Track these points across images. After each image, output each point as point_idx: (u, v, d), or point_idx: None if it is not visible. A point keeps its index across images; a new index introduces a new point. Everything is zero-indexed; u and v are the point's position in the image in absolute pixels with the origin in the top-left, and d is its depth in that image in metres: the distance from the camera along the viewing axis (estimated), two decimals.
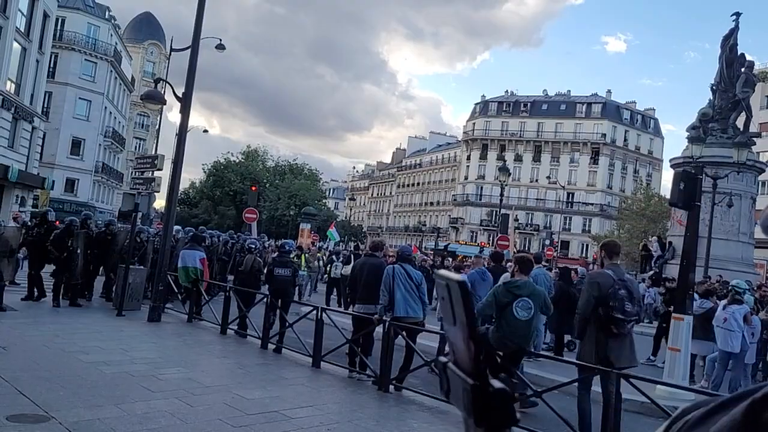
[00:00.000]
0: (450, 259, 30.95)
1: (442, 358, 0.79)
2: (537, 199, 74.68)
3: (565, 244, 68.82)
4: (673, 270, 18.97)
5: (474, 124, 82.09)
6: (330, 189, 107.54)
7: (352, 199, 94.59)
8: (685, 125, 26.60)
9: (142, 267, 13.91)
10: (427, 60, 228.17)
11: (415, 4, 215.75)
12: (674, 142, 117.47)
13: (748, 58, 25.86)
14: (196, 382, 7.44)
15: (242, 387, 7.49)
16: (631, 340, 6.66)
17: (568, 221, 72.00)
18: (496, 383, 0.71)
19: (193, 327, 12.14)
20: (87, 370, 7.54)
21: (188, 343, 10.49)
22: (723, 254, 21.99)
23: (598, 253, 7.19)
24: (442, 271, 0.80)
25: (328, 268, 19.41)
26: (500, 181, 28.49)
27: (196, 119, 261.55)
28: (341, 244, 34.11)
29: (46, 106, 43.98)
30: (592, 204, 72.34)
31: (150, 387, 6.96)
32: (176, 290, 14.02)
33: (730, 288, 10.92)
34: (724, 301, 10.73)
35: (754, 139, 25.84)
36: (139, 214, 13.95)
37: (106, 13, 55.53)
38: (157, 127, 38.11)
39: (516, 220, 51.65)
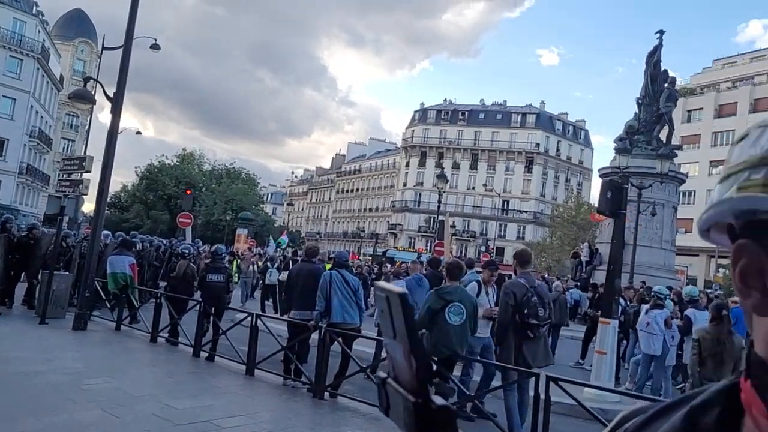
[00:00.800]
0: (389, 265, 31.08)
1: (381, 373, 0.76)
2: (473, 206, 76.04)
3: (500, 251, 70.20)
4: (600, 276, 19.68)
5: (413, 131, 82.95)
6: (268, 194, 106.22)
7: (291, 204, 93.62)
8: (613, 137, 27.71)
9: (67, 273, 13.35)
10: (368, 66, 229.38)
11: (356, 11, 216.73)
12: (603, 153, 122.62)
13: (671, 74, 27.23)
14: (123, 392, 7.19)
15: (172, 396, 7.29)
16: (544, 341, 7.19)
17: (503, 228, 73.60)
18: (439, 400, 0.68)
19: (121, 335, 11.74)
20: (5, 381, 7.18)
21: (116, 352, 10.14)
22: (647, 261, 22.98)
23: (512, 262, 7.73)
24: (382, 283, 0.77)
25: (262, 275, 19.21)
26: (438, 188, 28.91)
27: (129, 121, 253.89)
28: (278, 250, 33.73)
29: None
30: (526, 212, 74.25)
31: (74, 398, 6.68)
32: (104, 297, 13.52)
33: (652, 293, 11.41)
34: (646, 306, 11.22)
35: (676, 151, 27.16)
36: (66, 218, 13.41)
37: (34, 8, 53.31)
38: (86, 127, 36.76)
39: (453, 226, 52.33)
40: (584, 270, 26.13)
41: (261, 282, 19.48)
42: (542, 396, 6.10)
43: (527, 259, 7.51)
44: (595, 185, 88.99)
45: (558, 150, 78.56)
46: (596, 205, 17.09)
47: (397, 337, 0.71)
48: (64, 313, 12.47)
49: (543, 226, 66.18)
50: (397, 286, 0.74)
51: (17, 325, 11.62)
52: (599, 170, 27.56)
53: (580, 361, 13.45)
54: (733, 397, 0.62)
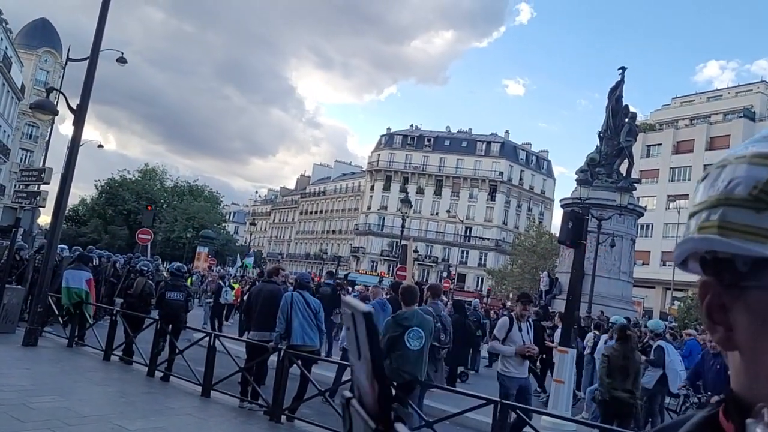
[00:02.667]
0: (350, 288, 30.89)
1: (347, 393, 0.74)
2: (437, 231, 76.49)
3: (462, 277, 70.70)
4: (559, 305, 19.94)
5: (379, 155, 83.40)
6: (231, 213, 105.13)
7: (253, 224, 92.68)
8: (576, 168, 28.31)
9: (19, 287, 12.93)
10: (336, 89, 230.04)
11: (326, 34, 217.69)
12: (565, 184, 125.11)
13: (632, 109, 28.03)
14: (73, 412, 6.96)
15: (123, 417, 7.08)
16: (441, 364, 8.65)
17: (465, 254, 74.14)
18: (401, 427, 0.67)
19: (73, 352, 11.38)
20: None
21: (66, 370, 9.82)
22: (605, 291, 23.39)
23: (425, 293, 9.10)
24: (349, 298, 0.74)
25: (215, 294, 18.78)
26: (402, 212, 29.06)
27: (90, 133, 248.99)
28: (239, 269, 33.38)
29: None
30: (488, 239, 75.00)
31: (19, 417, 6.43)
32: (57, 312, 13.11)
33: (609, 324, 11.61)
34: (605, 336, 11.40)
35: (635, 184, 27.89)
36: (21, 230, 13.03)
37: None
38: (46, 138, 35.96)
39: (416, 251, 52.53)
40: (544, 299, 26.43)
41: (212, 301, 18.95)
42: (501, 424, 6.11)
43: (438, 292, 9.19)
44: (557, 215, 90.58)
45: (521, 179, 79.84)
46: (557, 234, 17.39)
47: (361, 357, 0.70)
48: (14, 328, 12.05)
49: (504, 254, 66.88)
50: (363, 304, 0.71)
51: None
52: (561, 200, 28.08)
53: (537, 389, 13.53)
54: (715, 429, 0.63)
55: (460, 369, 13.83)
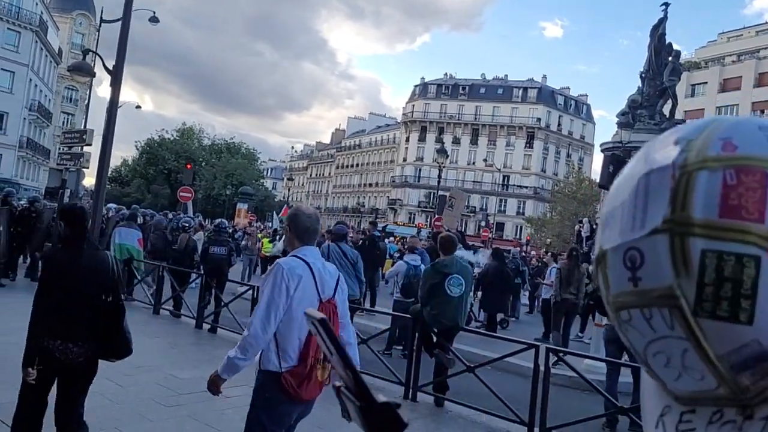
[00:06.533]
0: (392, 237, 31.09)
1: (337, 383, 0.86)
2: (474, 181, 75.90)
3: (500, 226, 70.35)
4: None
5: (413, 106, 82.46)
6: (268, 169, 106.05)
7: (291, 179, 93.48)
8: (616, 111, 27.51)
9: None
10: (367, 39, 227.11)
11: None
12: (605, 128, 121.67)
13: (676, 47, 26.93)
14: (128, 363, 7.18)
15: (175, 366, 7.38)
16: None
17: (503, 203, 73.58)
18: (380, 397, 0.78)
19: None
20: (9, 352, 7.23)
21: None
22: None
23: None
24: (309, 310, 0.88)
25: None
26: (438, 162, 28.81)
27: (127, 94, 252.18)
28: (279, 226, 33.77)
29: None
30: (526, 187, 74.15)
31: None
32: None
33: None
34: None
35: (679, 126, 27.03)
36: (67, 191, 13.41)
37: None
38: (86, 101, 36.55)
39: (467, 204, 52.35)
40: (585, 245, 26.19)
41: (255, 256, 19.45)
42: (542, 368, 6.17)
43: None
44: (597, 160, 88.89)
45: (560, 125, 78.16)
46: (597, 179, 17.10)
47: (333, 355, 0.83)
48: None
49: (543, 202, 66.16)
50: (318, 312, 0.88)
51: (20, 296, 11.67)
52: (601, 145, 27.40)
53: (579, 334, 13.55)
54: None
55: (500, 316, 13.91)
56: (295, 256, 3.33)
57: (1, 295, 11.46)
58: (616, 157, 11.18)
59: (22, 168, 53.63)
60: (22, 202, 15.87)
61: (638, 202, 0.61)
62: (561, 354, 6.80)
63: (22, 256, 14.35)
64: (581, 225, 29.58)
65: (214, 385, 3.38)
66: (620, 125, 25.50)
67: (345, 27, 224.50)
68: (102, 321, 3.81)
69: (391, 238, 31.54)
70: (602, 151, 26.12)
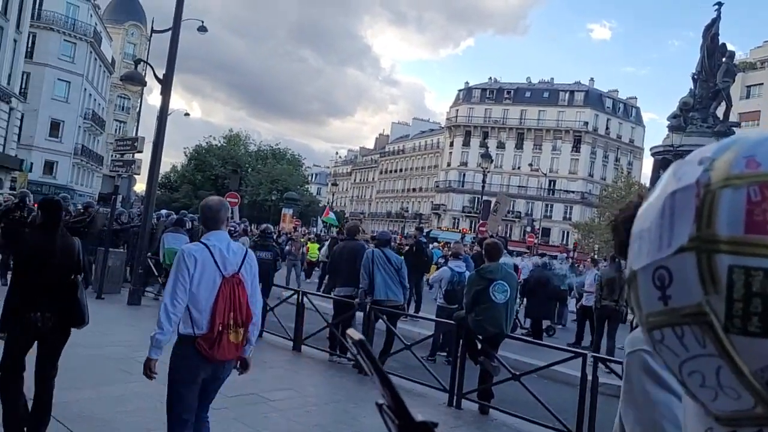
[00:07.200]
0: (436, 243, 30.97)
1: (379, 400, 0.87)
2: (519, 186, 75.06)
3: (546, 231, 69.35)
4: None
5: (457, 110, 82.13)
6: (312, 174, 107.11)
7: (335, 184, 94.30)
8: (667, 114, 26.83)
9: (121, 250, 13.78)
10: (411, 45, 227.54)
11: None
12: (655, 131, 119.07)
13: (730, 48, 26.09)
14: None
15: None
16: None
17: (549, 208, 72.48)
18: (418, 417, 0.79)
19: None
20: (65, 353, 7.46)
21: None
22: None
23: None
24: (350, 331, 0.90)
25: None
26: (483, 167, 28.63)
27: (176, 102, 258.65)
28: (323, 230, 34.08)
29: (24, 87, 43.25)
30: (573, 192, 72.90)
31: (128, 369, 6.91)
32: (156, 273, 13.91)
33: None
34: None
35: (734, 128, 26.14)
36: (119, 197, 13.80)
37: None
38: (137, 109, 37.62)
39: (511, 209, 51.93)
40: None
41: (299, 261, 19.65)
42: (589, 377, 6.03)
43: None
44: (647, 164, 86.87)
45: (607, 128, 76.65)
46: (648, 184, 16.67)
47: (373, 374, 0.85)
48: (119, 289, 12.90)
49: (591, 206, 64.90)
50: (358, 333, 0.89)
51: None
52: (651, 149, 26.75)
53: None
54: None
55: (546, 323, 13.68)
56: (199, 241, 3.89)
57: None
58: (667, 161, 10.88)
59: (77, 174, 55.51)
60: (78, 207, 16.42)
61: (664, 222, 0.63)
62: (609, 363, 6.63)
63: None
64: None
65: (146, 367, 3.78)
66: (671, 128, 24.83)
67: (388, 32, 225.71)
68: (65, 294, 4.51)
69: (435, 243, 31.39)
70: (653, 155, 25.49)
